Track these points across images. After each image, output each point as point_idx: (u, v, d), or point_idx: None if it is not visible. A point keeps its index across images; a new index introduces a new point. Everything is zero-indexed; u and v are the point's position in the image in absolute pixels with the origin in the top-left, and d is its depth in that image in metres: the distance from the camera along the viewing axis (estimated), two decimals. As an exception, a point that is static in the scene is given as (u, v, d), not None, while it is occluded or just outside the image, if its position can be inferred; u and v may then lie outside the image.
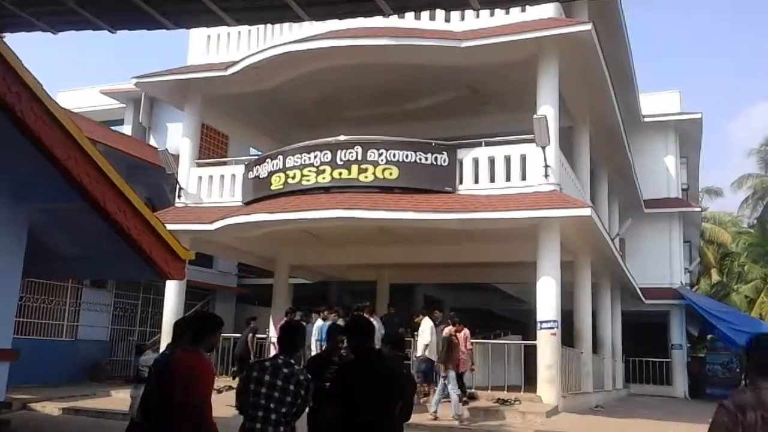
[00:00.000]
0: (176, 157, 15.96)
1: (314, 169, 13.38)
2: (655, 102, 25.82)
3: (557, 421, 11.38)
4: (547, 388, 12.17)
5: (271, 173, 14.03)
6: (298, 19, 4.46)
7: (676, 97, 27.07)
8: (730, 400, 3.12)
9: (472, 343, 12.90)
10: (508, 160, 13.10)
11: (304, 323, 13.46)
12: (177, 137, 18.67)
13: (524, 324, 21.38)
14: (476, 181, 13.15)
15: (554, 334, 12.39)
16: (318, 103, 16.56)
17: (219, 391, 11.85)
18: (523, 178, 12.87)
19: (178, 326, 5.75)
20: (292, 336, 4.63)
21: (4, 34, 5.85)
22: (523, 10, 13.43)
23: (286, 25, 14.31)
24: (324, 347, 11.91)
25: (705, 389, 23.49)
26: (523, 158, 12.94)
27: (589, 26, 12.71)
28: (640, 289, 22.19)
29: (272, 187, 13.91)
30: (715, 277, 34.52)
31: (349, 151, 13.22)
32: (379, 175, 13.03)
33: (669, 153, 25.62)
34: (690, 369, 25.16)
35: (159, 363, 5.43)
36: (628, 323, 22.46)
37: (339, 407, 4.44)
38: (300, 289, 20.84)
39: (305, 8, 4.32)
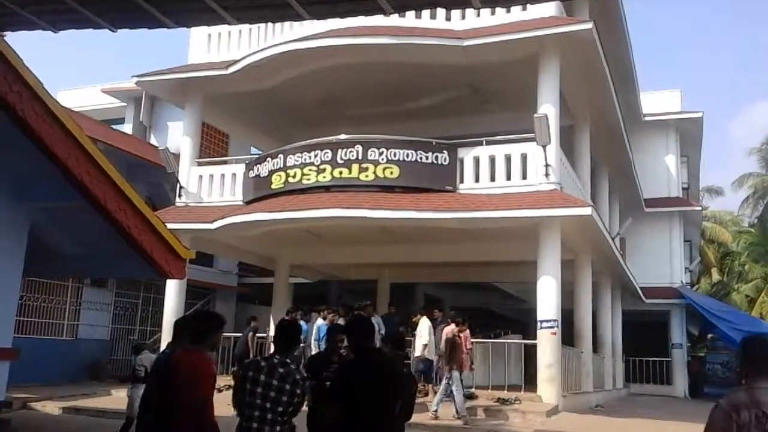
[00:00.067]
0: (177, 156, 15.96)
1: (315, 168, 13.38)
2: (656, 101, 25.82)
3: (557, 420, 11.38)
4: (548, 388, 12.17)
5: (271, 172, 14.03)
6: (298, 17, 4.46)
7: (676, 95, 27.08)
8: (725, 400, 3.15)
9: (472, 343, 12.90)
10: (508, 159, 13.09)
11: (303, 322, 13.67)
12: (178, 136, 18.68)
13: (524, 323, 21.38)
14: (477, 180, 13.15)
15: (554, 334, 12.39)
16: (319, 102, 16.55)
17: (219, 390, 11.80)
18: (524, 177, 12.87)
19: (178, 325, 5.74)
20: (288, 335, 4.62)
21: (5, 33, 5.84)
22: (524, 9, 13.41)
23: (287, 23, 14.30)
24: (321, 347, 11.97)
25: (705, 389, 23.49)
26: (524, 157, 12.94)
27: (590, 25, 12.71)
28: (641, 288, 22.19)
29: (273, 186, 13.91)
30: (716, 276, 34.51)
31: (349, 150, 13.22)
32: (380, 174, 13.03)
33: (669, 152, 25.61)
34: (690, 368, 25.17)
35: (159, 362, 5.42)
36: (628, 322, 22.46)
37: (339, 407, 4.44)
38: (300, 288, 20.84)
39: (306, 7, 4.31)
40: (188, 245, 10.40)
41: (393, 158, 13.06)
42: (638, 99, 23.24)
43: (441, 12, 13.81)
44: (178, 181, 15.74)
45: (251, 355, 14.03)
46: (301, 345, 13.06)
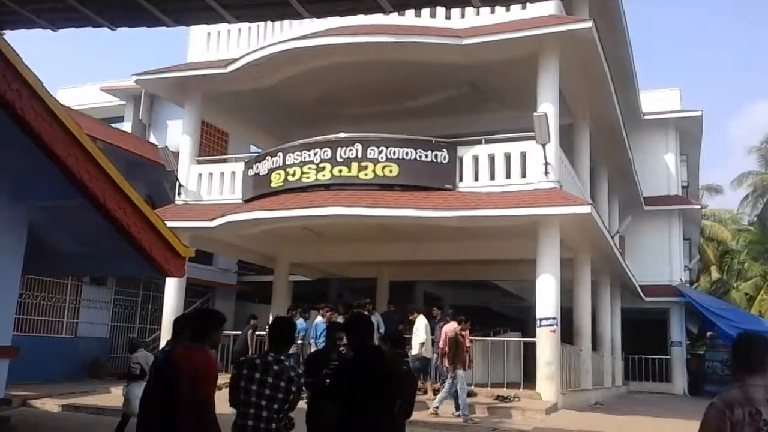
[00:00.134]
0: (176, 155, 15.96)
1: (314, 167, 13.38)
2: (656, 99, 25.82)
3: (557, 418, 11.39)
4: (547, 385, 12.19)
5: (271, 170, 14.03)
6: (298, 16, 4.46)
7: (676, 94, 27.08)
8: (719, 398, 3.18)
9: (471, 341, 12.90)
10: (508, 157, 13.10)
11: (302, 320, 13.69)
12: (177, 134, 18.67)
13: (524, 321, 21.38)
14: (476, 179, 13.15)
15: (554, 332, 12.41)
16: (318, 100, 16.55)
17: (219, 389, 11.85)
18: (523, 175, 12.87)
19: (178, 323, 5.75)
20: (282, 332, 4.61)
21: (5, 32, 5.84)
22: (524, 8, 13.43)
23: (286, 22, 14.30)
24: (318, 345, 12.00)
25: (704, 386, 23.48)
26: (523, 155, 12.94)
27: (589, 23, 12.71)
28: (640, 286, 22.21)
29: (272, 185, 13.92)
30: (715, 274, 34.52)
31: (349, 148, 13.23)
32: (379, 172, 13.04)
33: (669, 150, 25.63)
34: (689, 366, 25.20)
35: (158, 360, 5.43)
36: (627, 320, 22.48)
37: (338, 404, 4.44)
38: (300, 286, 20.85)
39: (305, 5, 4.31)
40: (188, 243, 10.41)
41: (392, 157, 13.07)
42: (638, 98, 23.25)
43: (440, 11, 13.80)
44: (177, 179, 15.74)
45: (250, 353, 14.05)
46: (299, 342, 13.10)
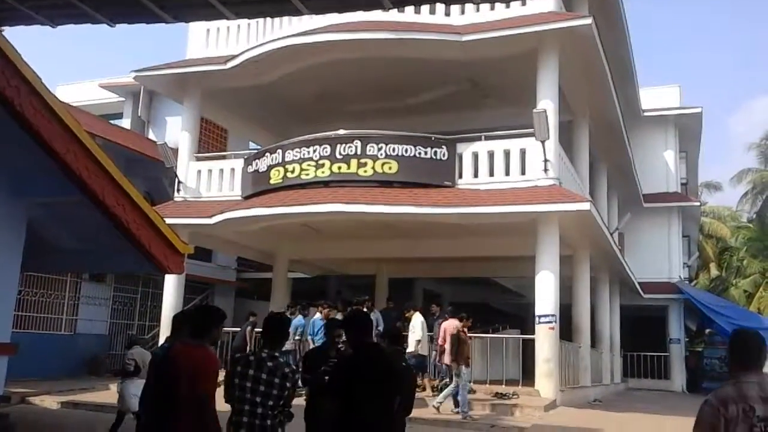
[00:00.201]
0: (175, 151, 15.94)
1: (313, 163, 13.38)
2: (655, 96, 25.78)
3: (555, 414, 11.40)
4: (546, 382, 12.20)
5: (270, 167, 14.03)
6: (297, 12, 4.45)
7: (675, 91, 27.04)
8: (713, 395, 3.21)
9: (470, 338, 12.91)
10: (507, 154, 13.09)
11: (301, 316, 13.69)
12: (176, 131, 18.64)
13: (523, 318, 21.42)
14: (476, 176, 13.14)
15: (552, 329, 12.41)
16: (317, 97, 16.54)
17: (219, 385, 11.86)
18: (523, 172, 12.86)
19: (176, 320, 5.75)
20: (276, 329, 4.61)
21: (3, 28, 5.83)
22: (524, 4, 13.44)
23: (285, 18, 14.27)
24: (315, 342, 12.01)
25: (702, 383, 23.55)
26: (523, 152, 12.94)
27: (589, 20, 12.69)
28: (639, 283, 22.23)
29: (271, 181, 13.91)
30: (714, 271, 34.53)
31: (348, 145, 13.22)
32: (379, 169, 13.03)
33: (668, 147, 25.62)
34: (688, 363, 25.24)
35: (158, 356, 5.43)
36: (626, 317, 22.50)
37: (337, 401, 4.45)
38: (299, 283, 20.86)
39: (305, 1, 4.30)
40: (187, 240, 10.40)
41: (392, 153, 13.06)
42: (637, 94, 23.23)
43: (440, 7, 13.77)
44: (176, 176, 15.72)
45: (249, 350, 14.06)
46: (297, 338, 13.10)
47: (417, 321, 12.53)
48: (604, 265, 18.61)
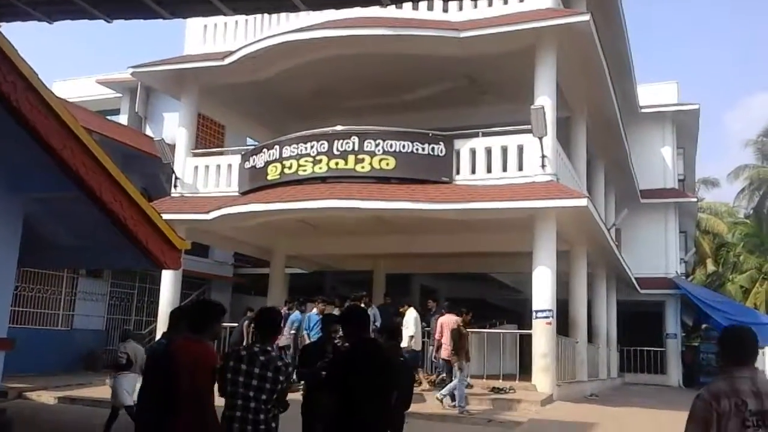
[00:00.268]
0: (172, 147, 15.93)
1: (311, 159, 13.37)
2: (653, 92, 25.82)
3: (552, 409, 11.45)
4: (542, 377, 12.24)
5: (267, 163, 14.02)
6: (295, 8, 4.45)
7: (673, 87, 27.09)
8: (706, 389, 3.25)
9: (469, 332, 12.94)
10: (505, 150, 13.10)
11: (298, 312, 13.70)
12: (173, 127, 18.60)
13: (520, 313, 21.47)
14: (473, 172, 13.16)
15: (549, 324, 12.45)
16: (315, 93, 16.51)
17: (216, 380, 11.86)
18: (520, 168, 12.88)
19: (174, 315, 5.75)
20: (268, 323, 4.61)
21: (0, 24, 5.82)
22: (522, 0, 13.42)
23: (283, 14, 14.23)
24: (311, 337, 12.03)
25: (699, 378, 23.62)
26: (520, 148, 12.95)
27: (587, 17, 12.69)
28: (636, 278, 22.28)
29: (268, 177, 13.91)
30: (711, 267, 34.64)
31: (345, 141, 13.21)
32: (376, 165, 13.03)
33: (666, 144, 25.66)
34: (684, 358, 25.32)
35: (156, 351, 5.43)
36: (623, 313, 22.57)
37: (334, 396, 4.46)
38: (296, 278, 20.87)
39: (302, -2, 4.30)
40: (184, 236, 10.40)
41: (389, 149, 13.06)
42: (635, 91, 23.26)
43: (438, 3, 13.78)
44: (173, 171, 15.71)
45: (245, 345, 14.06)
46: (293, 332, 13.11)
47: (410, 316, 12.55)
48: (601, 260, 18.65)
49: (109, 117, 22.11)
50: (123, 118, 23.10)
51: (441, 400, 10.98)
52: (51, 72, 62.47)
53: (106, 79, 23.63)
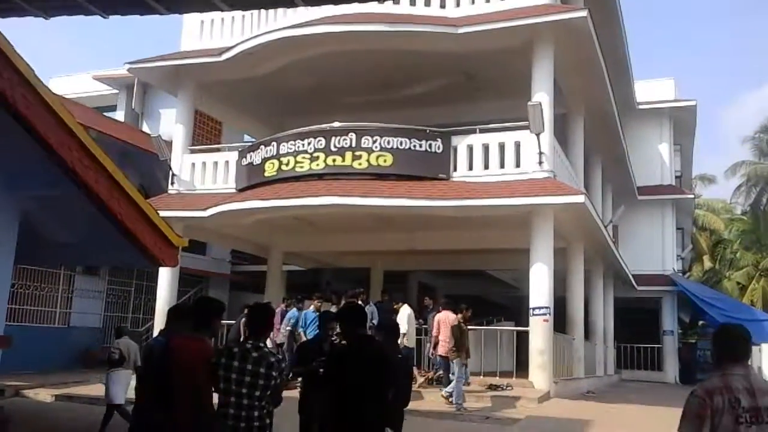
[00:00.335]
0: (169, 144, 15.89)
1: (308, 156, 13.35)
2: (650, 89, 25.86)
3: (549, 406, 11.46)
4: (539, 374, 12.26)
5: (264, 160, 14.00)
6: (292, 4, 4.42)
7: (670, 84, 27.13)
8: (700, 386, 3.30)
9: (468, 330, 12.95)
10: (502, 147, 13.10)
11: (296, 309, 13.68)
12: (170, 123, 18.57)
13: (517, 310, 21.46)
14: (470, 168, 13.15)
15: (546, 321, 12.46)
16: (312, 89, 16.48)
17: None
18: (518, 165, 12.88)
19: (171, 313, 5.74)
20: (261, 319, 4.57)
21: (-5, 20, 5.78)
22: (519, -4, 13.40)
23: (280, 10, 14.22)
24: (307, 335, 12.03)
25: (695, 375, 23.69)
26: (518, 145, 12.95)
27: (584, 13, 12.69)
28: (633, 275, 22.31)
29: (266, 174, 13.88)
30: (708, 263, 34.72)
31: (343, 137, 13.20)
32: (373, 161, 13.02)
33: (663, 140, 25.69)
34: (681, 355, 25.37)
35: (153, 349, 5.41)
36: (620, 309, 22.60)
37: (331, 394, 4.46)
38: (294, 275, 20.86)
39: (299, -7, 4.28)
40: (181, 233, 10.39)
41: (386, 146, 13.05)
42: (632, 87, 23.27)
43: (435, -1, 13.77)
44: (170, 168, 15.68)
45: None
46: (288, 328, 13.10)
47: (403, 314, 12.54)
48: (598, 257, 18.67)
49: (105, 113, 22.07)
50: (120, 115, 23.05)
51: (446, 398, 10.98)
52: (47, 69, 62.34)
53: (103, 75, 23.56)
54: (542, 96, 12.70)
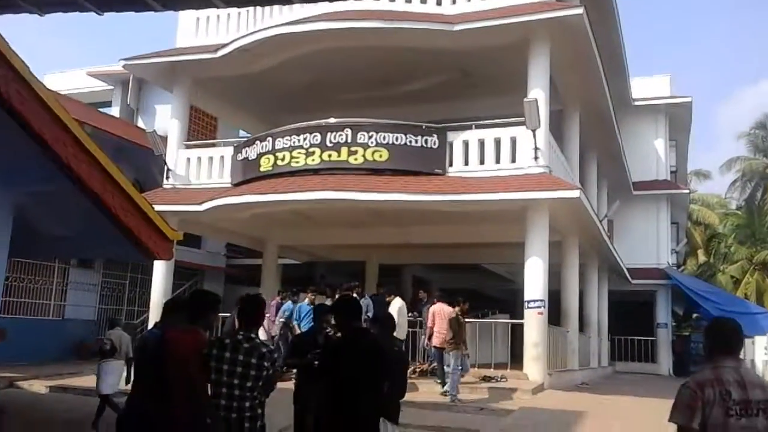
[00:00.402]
0: (164, 139, 15.90)
1: (304, 151, 13.37)
2: (646, 85, 25.92)
3: (543, 398, 11.54)
4: (534, 366, 12.34)
5: (260, 155, 14.01)
6: (288, 1, 4.45)
7: (666, 80, 27.19)
8: (692, 378, 3.36)
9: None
10: (498, 142, 13.14)
11: (291, 302, 13.72)
12: (165, 119, 18.54)
13: (512, 303, 21.55)
14: (466, 164, 13.19)
15: (541, 314, 12.54)
16: (308, 86, 16.48)
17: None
18: (513, 160, 12.93)
19: (167, 306, 5.78)
20: (252, 311, 4.58)
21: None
22: (515, -7, 13.40)
23: (276, 7, 14.20)
24: (301, 327, 12.07)
25: (689, 367, 23.83)
26: (513, 141, 12.99)
27: (580, 10, 12.70)
28: (628, 269, 22.40)
29: (261, 169, 13.91)
30: (702, 257, 34.84)
31: (338, 133, 13.22)
32: (369, 157, 13.05)
33: (658, 136, 25.79)
34: (675, 347, 25.53)
35: (149, 340, 5.45)
36: (614, 302, 22.69)
37: (327, 386, 4.51)
38: (289, 269, 20.88)
39: (294, -10, 4.30)
40: (176, 227, 10.39)
41: (382, 142, 13.07)
42: (628, 84, 23.29)
43: (432, -5, 13.77)
44: (165, 163, 15.69)
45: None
46: (282, 320, 13.16)
47: (395, 306, 12.58)
48: (593, 251, 18.74)
49: (101, 109, 22.03)
50: (115, 110, 23.01)
51: (445, 395, 11.05)
52: (42, 66, 62.08)
53: (98, 71, 23.51)
54: (538, 93, 12.74)
